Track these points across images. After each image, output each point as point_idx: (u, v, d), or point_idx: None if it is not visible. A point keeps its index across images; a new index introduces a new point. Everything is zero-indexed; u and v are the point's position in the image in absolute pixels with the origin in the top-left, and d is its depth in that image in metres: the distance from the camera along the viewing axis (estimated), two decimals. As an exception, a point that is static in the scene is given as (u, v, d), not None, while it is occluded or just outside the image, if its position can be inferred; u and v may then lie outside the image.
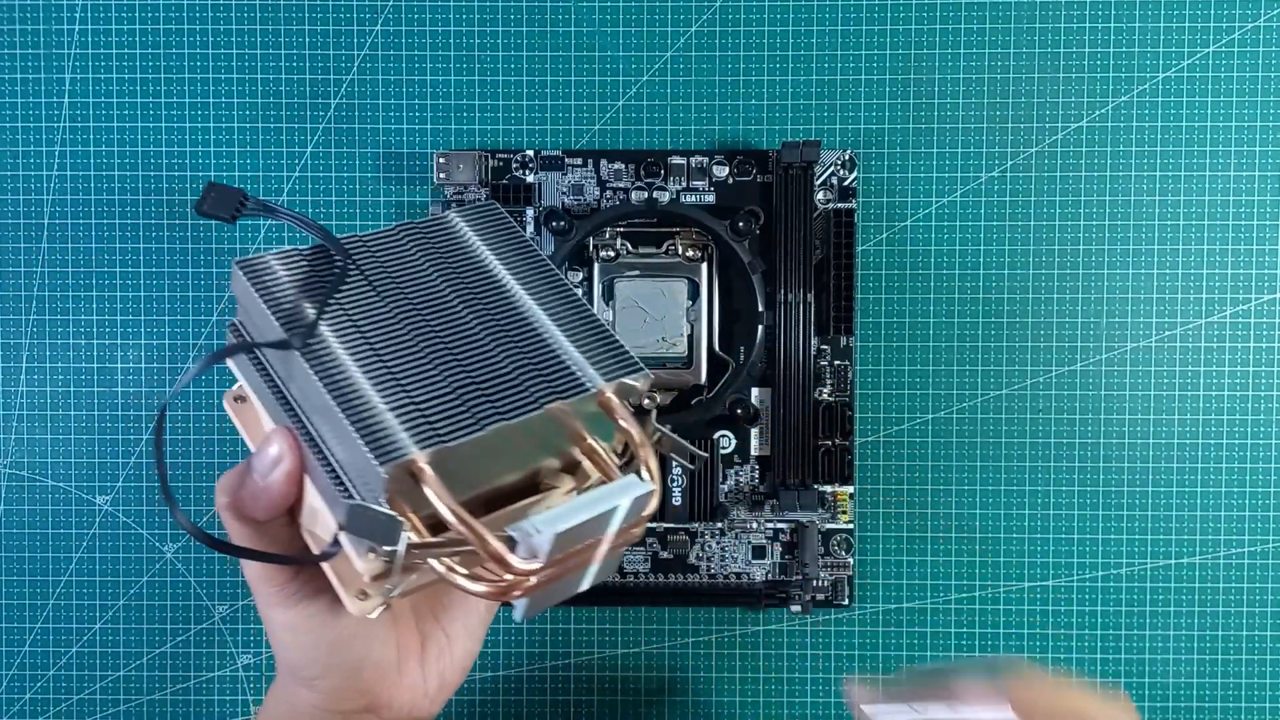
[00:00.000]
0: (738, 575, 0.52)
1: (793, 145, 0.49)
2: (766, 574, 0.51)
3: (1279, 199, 0.51)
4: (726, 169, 0.51)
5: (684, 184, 0.51)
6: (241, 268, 0.34)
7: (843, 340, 0.51)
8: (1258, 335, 0.51)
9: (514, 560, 0.31)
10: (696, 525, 0.51)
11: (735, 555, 0.52)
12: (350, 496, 0.32)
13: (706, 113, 0.52)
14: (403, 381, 0.32)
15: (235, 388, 0.37)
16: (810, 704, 0.52)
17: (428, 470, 0.31)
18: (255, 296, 0.34)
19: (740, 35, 0.52)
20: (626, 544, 0.34)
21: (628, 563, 0.51)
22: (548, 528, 0.30)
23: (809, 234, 0.50)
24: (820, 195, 0.51)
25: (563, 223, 0.50)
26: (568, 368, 0.34)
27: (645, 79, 0.52)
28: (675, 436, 0.37)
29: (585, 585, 0.34)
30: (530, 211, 0.51)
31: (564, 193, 0.51)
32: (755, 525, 0.51)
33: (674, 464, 0.50)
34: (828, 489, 0.51)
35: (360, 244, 0.36)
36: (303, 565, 0.35)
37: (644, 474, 0.33)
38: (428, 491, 0.30)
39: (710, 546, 0.52)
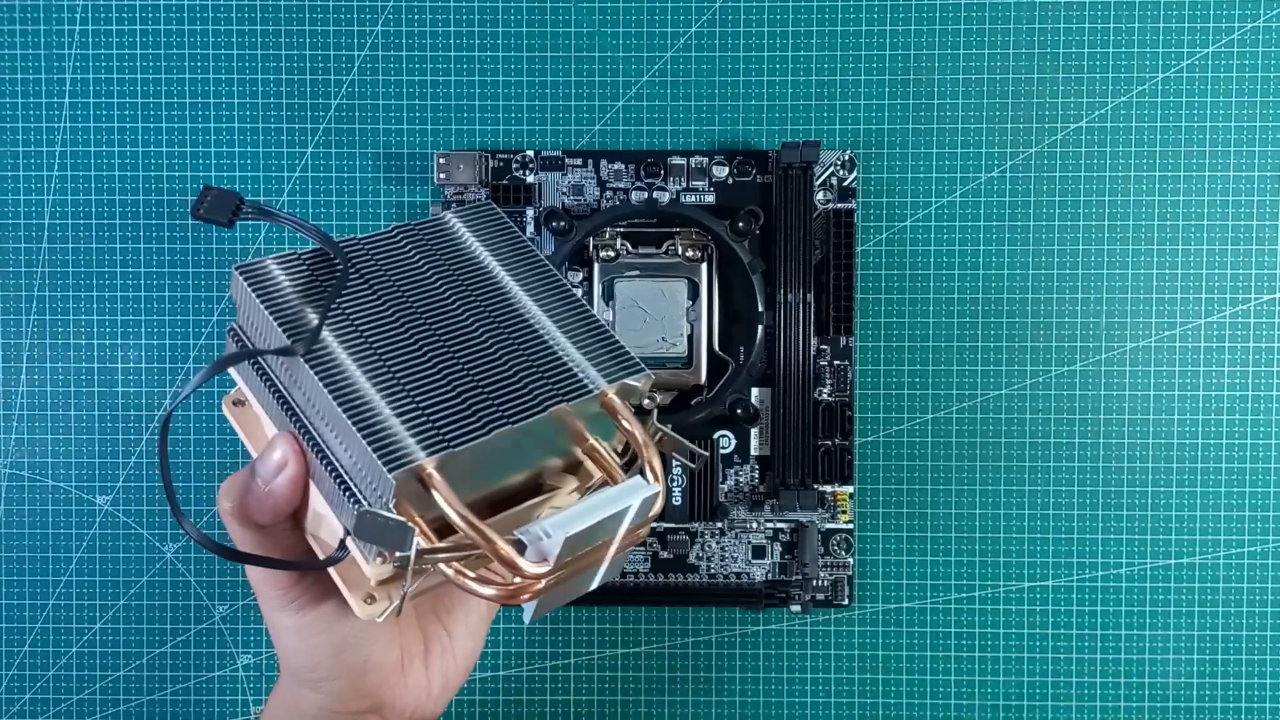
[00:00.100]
0: (738, 575, 0.52)
1: (793, 145, 0.49)
2: (766, 574, 0.52)
3: (1279, 199, 0.51)
4: (726, 169, 0.51)
5: (684, 184, 0.51)
6: (241, 273, 0.34)
7: (843, 340, 0.51)
8: (1258, 335, 0.51)
9: (524, 564, 0.31)
10: (696, 525, 0.51)
11: (735, 555, 0.52)
12: (356, 501, 0.32)
13: (706, 113, 0.52)
14: (407, 386, 0.32)
15: (234, 391, 0.37)
16: (810, 704, 0.52)
17: (436, 476, 0.31)
18: (257, 302, 0.34)
19: (740, 35, 0.52)
20: (633, 544, 0.34)
21: (628, 563, 0.51)
22: (558, 531, 0.30)
23: (809, 234, 0.50)
24: (820, 195, 0.51)
25: (563, 223, 0.50)
26: (570, 369, 0.34)
27: (645, 79, 0.52)
28: (676, 435, 0.37)
29: (593, 585, 0.35)
30: (530, 212, 0.51)
31: (564, 193, 0.51)
32: (755, 525, 0.51)
33: (674, 464, 0.50)
34: (828, 489, 0.51)
35: (359, 246, 0.36)
36: (309, 570, 0.35)
37: (649, 475, 0.33)
38: (437, 497, 0.31)
39: (710, 546, 0.52)
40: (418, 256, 0.36)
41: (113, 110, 0.52)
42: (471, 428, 0.32)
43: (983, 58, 0.51)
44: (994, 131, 0.51)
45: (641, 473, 0.33)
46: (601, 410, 0.34)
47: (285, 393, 0.34)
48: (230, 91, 0.52)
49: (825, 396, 0.51)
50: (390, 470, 0.30)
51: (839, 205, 0.51)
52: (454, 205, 0.51)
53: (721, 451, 0.51)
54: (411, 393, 0.32)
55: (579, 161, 0.51)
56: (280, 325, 0.33)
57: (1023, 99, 0.51)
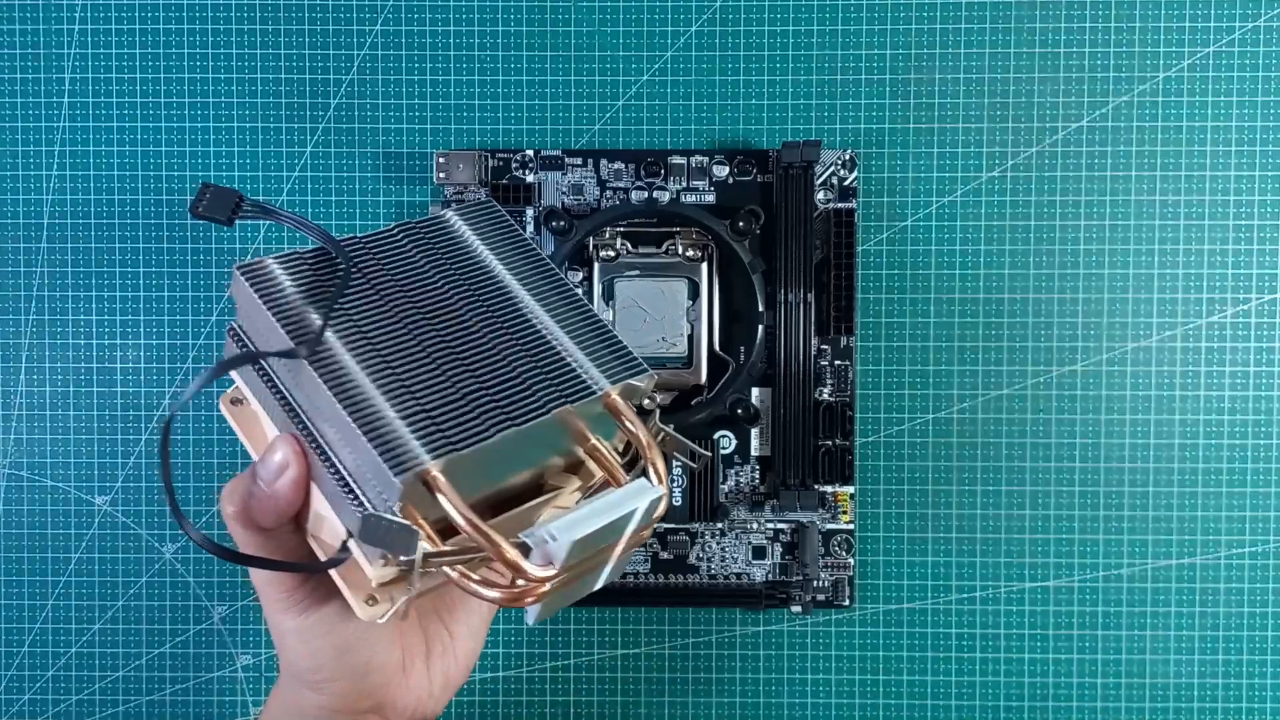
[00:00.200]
0: (738, 576, 0.52)
1: (793, 145, 0.49)
2: (767, 574, 0.51)
3: (1279, 199, 0.51)
4: (726, 169, 0.51)
5: (684, 184, 0.51)
6: (243, 273, 0.34)
7: (843, 340, 0.51)
8: (1258, 335, 0.51)
9: (530, 568, 0.30)
10: (697, 525, 0.51)
11: (735, 555, 0.51)
12: (359, 502, 0.32)
13: (706, 113, 0.52)
14: (411, 388, 0.32)
15: (231, 390, 0.37)
16: (810, 704, 0.52)
17: (442, 479, 0.31)
18: (259, 303, 0.33)
19: (740, 35, 0.52)
20: (637, 545, 0.34)
21: (628, 563, 0.51)
22: (564, 535, 0.30)
23: (809, 234, 0.50)
24: (820, 195, 0.51)
25: (563, 223, 0.50)
26: (573, 370, 0.34)
27: (645, 79, 0.52)
28: (678, 436, 0.37)
29: (597, 586, 0.34)
30: (530, 211, 0.51)
31: (564, 193, 0.51)
32: (755, 525, 0.51)
33: (675, 464, 0.50)
34: (828, 489, 0.51)
35: (360, 246, 0.36)
36: (312, 572, 0.35)
37: (652, 477, 0.33)
38: (442, 500, 0.30)
39: (710, 547, 0.52)
40: (419, 256, 0.36)
41: (112, 110, 0.52)
42: (477, 430, 0.32)
43: (983, 58, 0.51)
44: (994, 131, 0.51)
45: (644, 474, 0.33)
46: (604, 410, 0.34)
47: (286, 393, 0.34)
48: (230, 91, 0.52)
49: (826, 396, 0.51)
50: (397, 474, 0.30)
51: (839, 205, 0.51)
52: (453, 204, 0.51)
53: (722, 452, 0.51)
54: (416, 394, 0.32)
55: (579, 161, 0.51)
56: (283, 326, 0.33)
57: (1023, 99, 0.51)
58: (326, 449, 0.33)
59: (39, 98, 0.52)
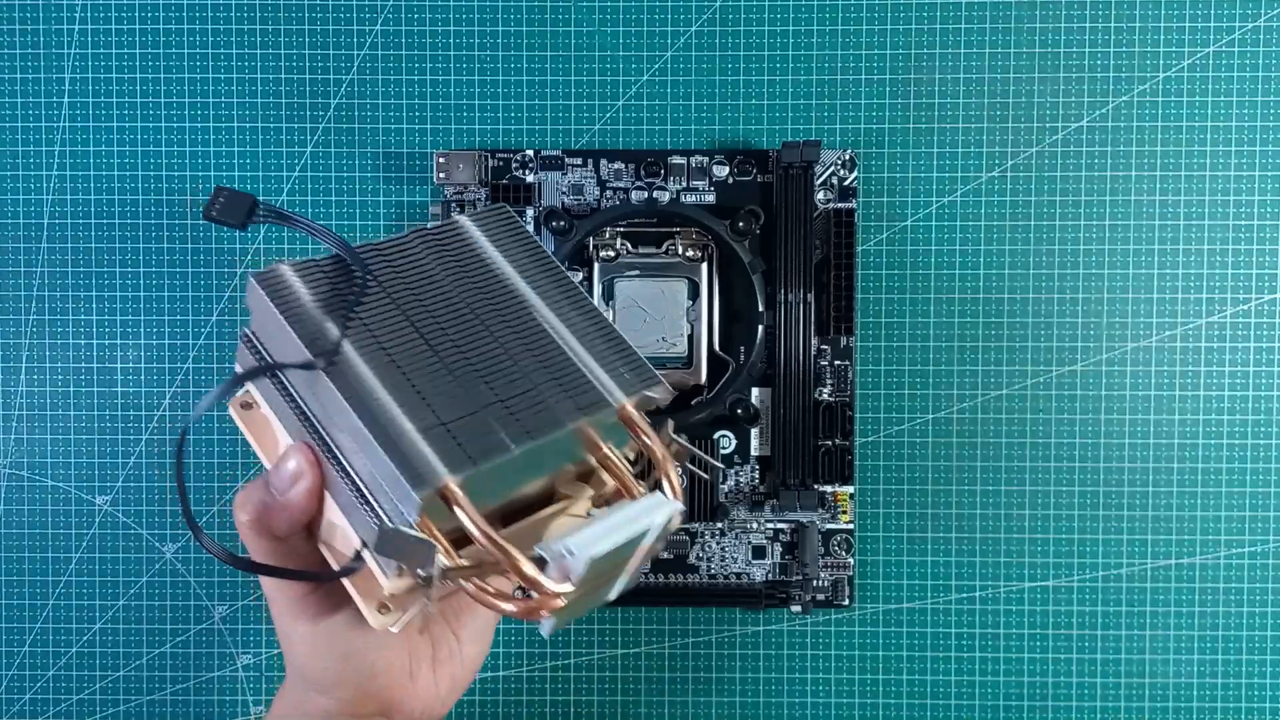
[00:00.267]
0: (738, 575, 0.52)
1: (793, 145, 0.49)
2: (766, 574, 0.51)
3: (1279, 199, 0.51)
4: (726, 169, 0.51)
5: (684, 184, 0.51)
6: (259, 282, 0.33)
7: (843, 340, 0.51)
8: (1258, 335, 0.51)
9: (548, 583, 0.30)
10: (696, 525, 0.51)
11: (735, 555, 0.52)
12: (374, 512, 0.32)
13: (706, 113, 0.52)
14: (429, 400, 0.32)
15: (242, 394, 0.37)
16: (810, 704, 0.52)
17: (460, 493, 0.30)
18: (276, 313, 0.33)
19: (740, 35, 0.52)
20: (650, 556, 0.34)
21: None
22: (582, 551, 0.30)
23: (809, 234, 0.50)
24: (820, 195, 0.51)
25: (563, 223, 0.50)
26: (590, 383, 0.34)
27: (645, 79, 0.52)
28: (691, 448, 0.37)
29: (611, 597, 0.34)
30: (530, 211, 0.51)
31: (564, 193, 0.51)
32: (755, 525, 0.51)
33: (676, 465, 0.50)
34: (828, 489, 0.51)
35: (375, 253, 0.35)
36: (325, 581, 0.35)
37: (667, 490, 0.33)
38: (460, 514, 0.30)
39: (710, 547, 0.52)
40: (434, 263, 0.36)
41: (112, 110, 0.52)
42: (495, 444, 0.31)
43: (983, 58, 0.51)
44: (994, 131, 0.51)
45: (658, 486, 0.33)
46: (619, 421, 0.34)
47: (301, 402, 0.33)
48: (230, 91, 0.52)
49: (825, 396, 0.51)
50: (416, 490, 0.30)
51: (839, 205, 0.51)
52: (453, 205, 0.51)
53: (722, 451, 0.51)
54: (434, 407, 0.32)
55: (579, 161, 0.51)
56: (300, 337, 0.32)
57: (1023, 99, 0.51)
58: (341, 458, 0.32)
59: (39, 98, 0.52)
